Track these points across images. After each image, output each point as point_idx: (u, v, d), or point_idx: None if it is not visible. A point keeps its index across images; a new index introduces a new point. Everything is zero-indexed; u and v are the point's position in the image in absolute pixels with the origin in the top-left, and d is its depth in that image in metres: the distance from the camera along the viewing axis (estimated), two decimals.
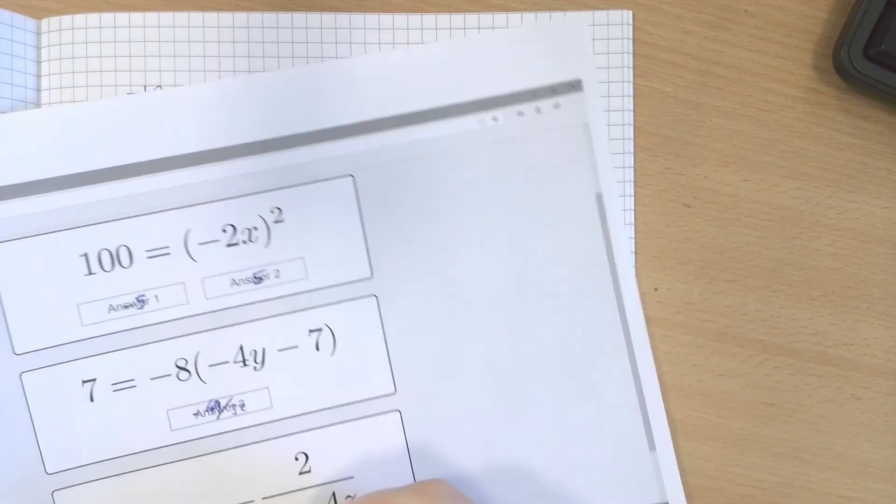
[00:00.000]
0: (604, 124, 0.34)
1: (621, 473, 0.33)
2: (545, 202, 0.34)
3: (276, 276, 0.33)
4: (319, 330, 0.33)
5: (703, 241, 0.34)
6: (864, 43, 0.32)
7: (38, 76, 0.33)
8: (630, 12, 0.34)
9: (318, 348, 0.33)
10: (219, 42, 0.33)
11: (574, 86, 0.34)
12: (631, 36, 0.34)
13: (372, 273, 0.33)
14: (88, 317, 0.32)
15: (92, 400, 0.32)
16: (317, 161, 0.33)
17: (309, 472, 0.33)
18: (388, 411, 0.33)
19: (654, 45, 0.34)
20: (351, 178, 0.33)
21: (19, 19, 0.32)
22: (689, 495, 0.33)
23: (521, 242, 0.34)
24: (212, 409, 0.32)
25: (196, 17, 0.33)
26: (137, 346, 0.32)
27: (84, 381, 0.32)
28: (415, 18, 0.34)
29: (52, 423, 0.31)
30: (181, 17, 0.33)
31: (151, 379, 0.32)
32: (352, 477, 0.33)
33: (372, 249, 0.33)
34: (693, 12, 0.34)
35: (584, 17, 0.34)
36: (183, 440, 0.32)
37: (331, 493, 0.33)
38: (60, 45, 0.33)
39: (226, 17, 0.33)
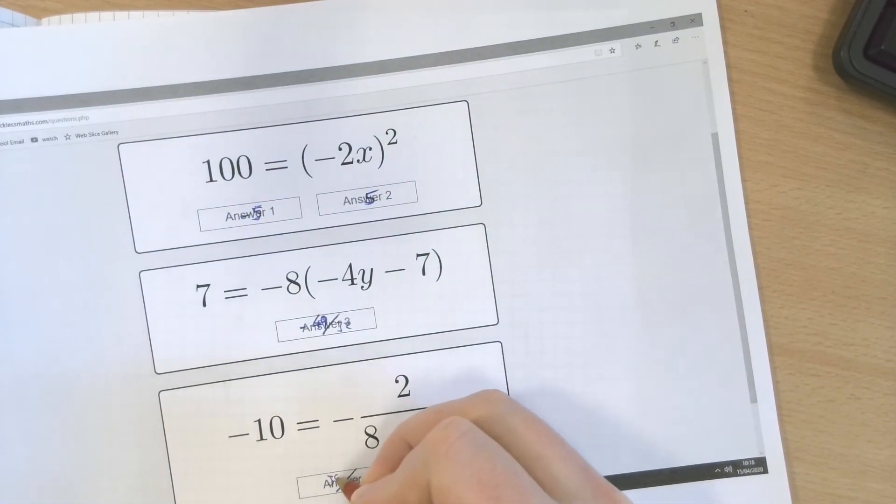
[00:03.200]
0: (722, 62, 0.33)
1: (720, 424, 0.32)
2: (660, 139, 0.33)
3: (388, 198, 0.33)
4: (427, 255, 0.33)
5: None
6: (864, 43, 0.31)
7: None
8: None
9: (424, 272, 0.33)
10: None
11: (694, 20, 0.33)
12: None
13: (481, 201, 0.33)
14: (207, 223, 0.32)
15: (205, 305, 0.32)
16: (432, 84, 0.33)
17: (408, 395, 0.33)
18: (490, 341, 0.33)
19: None
20: (465, 103, 0.33)
21: (20, 18, 0.33)
22: None
23: (633, 178, 0.33)
24: (318, 324, 0.33)
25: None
26: (251, 255, 0.33)
27: (199, 286, 0.32)
28: None
29: (165, 324, 0.32)
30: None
31: (262, 290, 0.33)
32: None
33: (482, 177, 0.33)
34: None
35: None
36: (288, 352, 0.33)
37: None
38: None
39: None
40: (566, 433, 0.32)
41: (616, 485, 0.31)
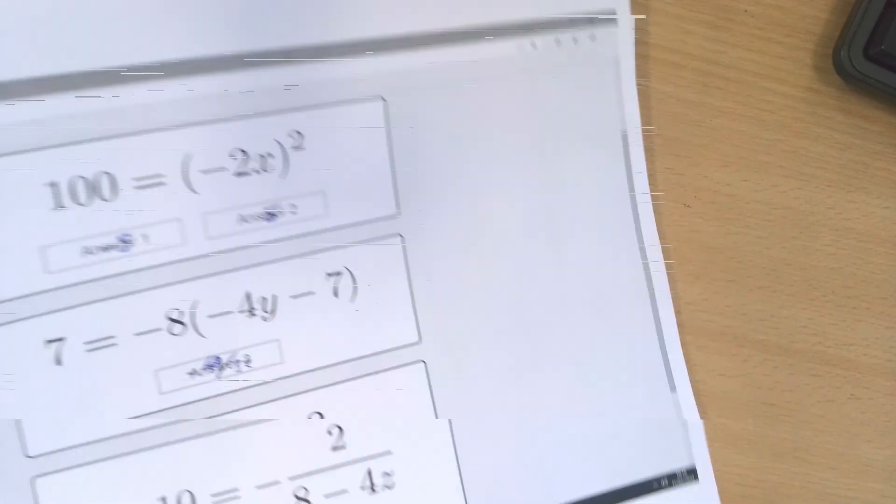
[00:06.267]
0: (632, 60, 0.32)
1: (644, 413, 0.33)
2: (574, 138, 0.31)
3: (293, 213, 0.27)
4: (339, 273, 0.28)
5: (703, 241, 0.34)
6: (864, 43, 0.31)
7: None
8: None
9: (336, 294, 0.29)
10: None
11: (609, 17, 0.31)
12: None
13: (399, 210, 0.29)
14: (56, 262, 0.24)
15: (59, 363, 0.25)
16: (343, 80, 0.27)
17: (343, 447, 0.29)
18: (413, 362, 0.30)
19: (654, 45, 0.33)
20: (382, 101, 0.28)
21: None
22: None
23: (550, 180, 0.31)
24: (210, 366, 0.27)
25: None
26: (119, 296, 0.25)
27: (48, 342, 0.25)
28: None
29: (13, 393, 0.25)
30: None
31: (136, 334, 0.26)
32: (390, 452, 0.30)
33: (400, 184, 0.29)
34: (693, 12, 0.33)
35: None
36: (177, 403, 0.27)
37: (366, 470, 0.29)
38: None
39: None
40: (500, 462, 0.31)
41: None
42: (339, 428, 0.29)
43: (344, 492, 0.29)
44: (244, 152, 0.26)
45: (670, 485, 0.33)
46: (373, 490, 0.29)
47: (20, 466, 0.25)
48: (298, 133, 0.27)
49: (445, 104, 0.29)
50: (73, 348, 0.25)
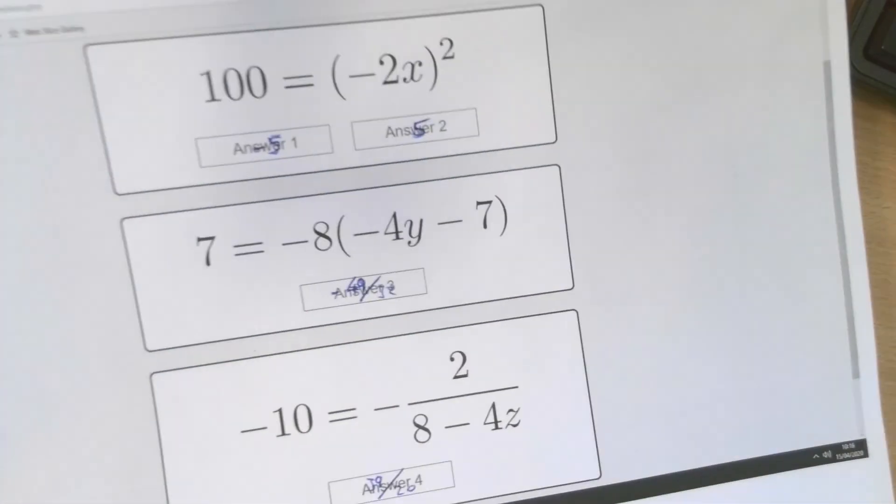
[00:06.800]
0: None
1: (821, 399, 0.28)
2: (765, 66, 0.27)
3: (442, 130, 0.26)
4: (489, 203, 0.26)
5: None
6: (864, 43, 0.30)
7: None
8: None
9: (485, 225, 0.26)
10: None
11: None
12: None
13: (556, 136, 0.27)
14: (209, 156, 0.25)
15: (208, 263, 0.25)
16: None
17: (465, 376, 0.27)
18: (564, 310, 0.27)
19: None
20: (540, 7, 0.26)
21: None
22: None
23: (735, 112, 0.27)
24: (354, 288, 0.26)
25: None
26: (268, 200, 0.25)
27: (200, 239, 0.25)
28: None
29: (157, 288, 0.25)
30: None
31: (283, 244, 0.25)
32: (516, 387, 0.27)
33: (558, 105, 0.26)
34: None
35: None
36: (317, 324, 0.26)
37: (490, 403, 0.27)
38: None
39: None
40: (650, 419, 0.27)
41: (710, 478, 0.28)
42: (464, 357, 0.26)
43: (465, 424, 0.26)
44: (392, 58, 0.25)
45: (834, 458, 0.28)
46: (496, 426, 0.26)
47: (139, 361, 0.25)
48: (449, 40, 0.26)
49: (613, 14, 0.26)
50: (222, 249, 0.25)
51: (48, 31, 0.23)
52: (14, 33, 0.23)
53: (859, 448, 0.29)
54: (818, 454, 0.28)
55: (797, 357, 0.28)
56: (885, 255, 0.32)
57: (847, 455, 0.29)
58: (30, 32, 0.23)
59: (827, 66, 0.28)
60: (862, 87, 0.31)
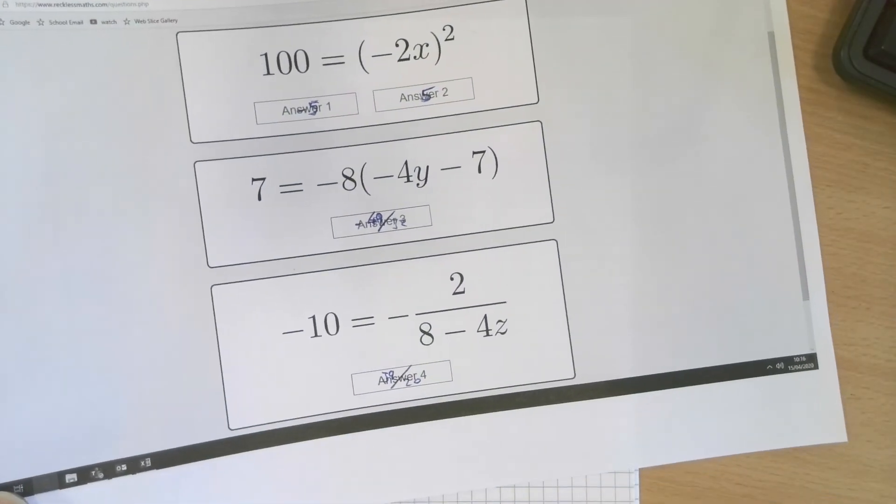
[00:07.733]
0: None
1: (772, 319, 0.32)
2: (717, 38, 0.33)
3: (444, 95, 0.33)
4: (483, 152, 0.33)
5: None
6: (864, 43, 0.31)
7: None
8: None
9: (480, 170, 0.33)
10: None
11: None
12: None
13: (538, 98, 0.33)
14: (263, 115, 0.32)
15: (260, 199, 0.32)
16: None
17: (463, 292, 0.32)
18: (545, 240, 0.33)
19: None
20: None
21: None
22: (688, 495, 0.32)
23: (693, 76, 0.33)
24: (374, 220, 0.32)
25: None
26: (307, 150, 0.32)
27: (254, 179, 0.32)
28: None
29: (219, 216, 0.32)
30: None
31: (318, 185, 0.32)
32: (504, 302, 0.32)
33: (540, 73, 0.33)
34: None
35: None
36: (344, 248, 0.32)
37: (482, 315, 0.32)
38: None
39: None
40: (619, 330, 0.32)
41: (669, 383, 0.31)
42: (462, 277, 0.32)
43: (461, 331, 0.32)
44: (406, 41, 0.33)
45: (786, 369, 0.32)
46: (487, 334, 0.32)
47: (203, 274, 0.31)
48: (450, 26, 0.33)
49: (582, 2, 0.33)
50: (270, 188, 0.32)
51: (151, 21, 0.32)
52: (127, 21, 0.32)
53: (810, 361, 0.32)
54: (771, 365, 0.32)
55: (751, 280, 0.32)
56: (886, 255, 0.33)
57: (798, 367, 0.32)
58: (138, 21, 0.32)
59: (771, 35, 0.33)
60: (862, 86, 0.32)
